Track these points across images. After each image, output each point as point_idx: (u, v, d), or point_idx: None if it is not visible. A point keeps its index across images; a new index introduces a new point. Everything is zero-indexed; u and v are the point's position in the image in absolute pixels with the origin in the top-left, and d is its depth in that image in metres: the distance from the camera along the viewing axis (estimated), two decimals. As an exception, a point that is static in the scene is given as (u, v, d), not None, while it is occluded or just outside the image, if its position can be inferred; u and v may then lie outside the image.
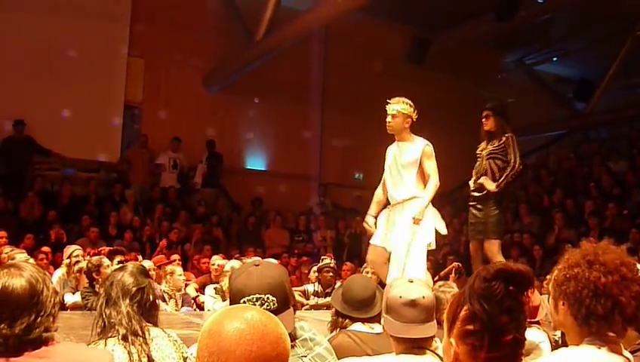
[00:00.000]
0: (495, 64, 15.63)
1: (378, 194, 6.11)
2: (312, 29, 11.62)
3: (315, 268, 8.07)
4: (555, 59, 15.53)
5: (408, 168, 5.88)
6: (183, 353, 2.92)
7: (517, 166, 6.18)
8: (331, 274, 7.61)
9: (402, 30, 13.77)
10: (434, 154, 5.90)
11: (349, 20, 11.34)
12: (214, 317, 1.43)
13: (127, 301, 2.79)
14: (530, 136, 15.74)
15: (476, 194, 6.40)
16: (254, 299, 2.15)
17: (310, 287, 7.72)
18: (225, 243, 11.43)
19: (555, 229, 11.04)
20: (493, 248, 6.21)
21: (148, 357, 2.73)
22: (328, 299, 6.72)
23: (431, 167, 5.84)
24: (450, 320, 1.54)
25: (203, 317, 6.37)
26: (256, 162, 13.59)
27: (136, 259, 8.25)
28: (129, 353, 2.70)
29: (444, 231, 5.87)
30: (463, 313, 1.50)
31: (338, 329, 3.29)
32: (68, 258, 7.23)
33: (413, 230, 5.65)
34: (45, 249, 8.36)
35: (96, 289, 6.24)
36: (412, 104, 5.87)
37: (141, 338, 2.77)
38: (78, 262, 6.95)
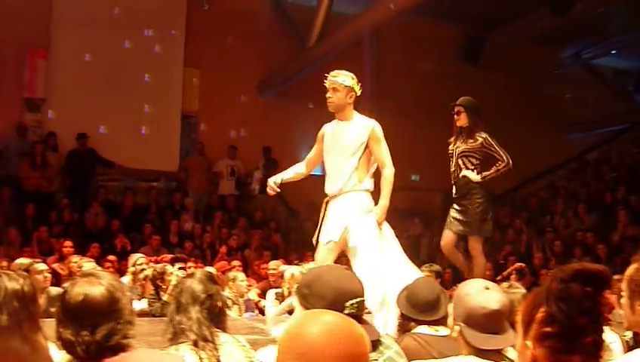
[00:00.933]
0: (551, 60, 15.31)
1: (299, 166, 5.47)
2: (363, 32, 11.64)
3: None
4: (613, 52, 15.12)
5: (351, 152, 4.97)
6: (251, 358, 2.97)
7: (510, 163, 5.90)
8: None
9: (454, 29, 13.66)
10: (383, 136, 5.02)
11: (399, 22, 11.31)
12: (295, 321, 1.46)
13: (197, 307, 2.85)
14: (590, 132, 15.40)
15: (454, 192, 6.12)
16: (356, 303, 2.20)
17: (371, 291, 7.70)
18: (284, 248, 11.53)
19: (618, 227, 10.75)
20: (477, 245, 6.00)
21: (218, 362, 2.79)
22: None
23: (383, 152, 4.95)
24: (526, 322, 1.53)
25: (265, 322, 6.43)
26: (312, 167, 13.66)
27: (197, 266, 8.41)
28: (200, 358, 2.76)
29: None
30: (539, 315, 1.49)
31: (403, 333, 3.28)
32: (133, 266, 7.40)
33: (376, 230, 4.85)
34: (111, 257, 8.58)
35: (162, 296, 6.41)
36: (355, 77, 5.09)
37: (211, 344, 2.83)
38: (143, 269, 7.13)
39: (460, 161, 6.04)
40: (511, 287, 3.37)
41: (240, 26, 12.57)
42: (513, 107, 14.01)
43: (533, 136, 13.83)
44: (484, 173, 5.97)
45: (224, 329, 3.02)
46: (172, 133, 12.49)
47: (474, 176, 5.96)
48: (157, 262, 8.04)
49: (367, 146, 4.96)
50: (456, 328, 2.49)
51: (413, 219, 12.76)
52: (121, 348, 2.17)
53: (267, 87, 13.08)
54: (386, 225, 5.01)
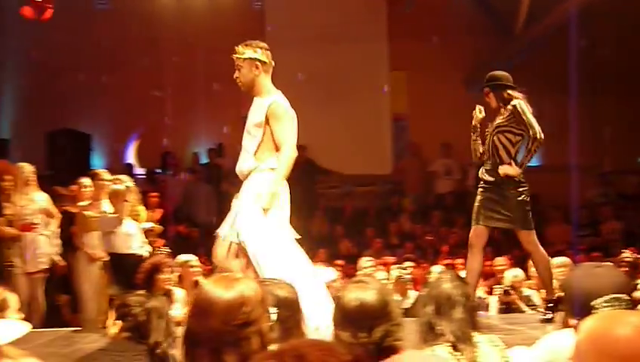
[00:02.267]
0: None
1: None
2: (572, 11, 11.01)
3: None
4: None
5: (252, 132, 4.54)
6: (506, 358, 2.94)
7: (538, 136, 5.12)
8: (627, 269, 7.13)
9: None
10: (288, 113, 4.55)
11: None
12: (595, 324, 1.42)
13: (458, 309, 2.88)
14: None
15: (487, 178, 5.39)
16: (611, 300, 2.12)
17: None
18: (506, 243, 11.24)
19: None
20: (531, 239, 5.37)
21: (477, 364, 2.80)
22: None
23: (281, 131, 4.46)
24: None
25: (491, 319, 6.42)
26: (528, 158, 13.22)
27: (422, 266, 8.54)
28: (458, 360, 2.79)
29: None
30: None
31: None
32: (362, 269, 7.67)
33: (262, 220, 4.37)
34: (339, 262, 8.96)
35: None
36: (262, 45, 4.60)
37: (470, 346, 2.85)
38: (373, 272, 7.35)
39: (496, 139, 5.34)
40: None
41: (441, 23, 12.52)
42: None
43: None
44: (520, 160, 5.28)
45: (478, 329, 3.02)
46: (384, 137, 12.80)
47: (513, 171, 5.23)
48: (380, 264, 8.28)
49: (267, 125, 4.49)
50: None
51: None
52: (394, 350, 2.27)
53: (475, 81, 12.84)
54: (278, 214, 4.51)
